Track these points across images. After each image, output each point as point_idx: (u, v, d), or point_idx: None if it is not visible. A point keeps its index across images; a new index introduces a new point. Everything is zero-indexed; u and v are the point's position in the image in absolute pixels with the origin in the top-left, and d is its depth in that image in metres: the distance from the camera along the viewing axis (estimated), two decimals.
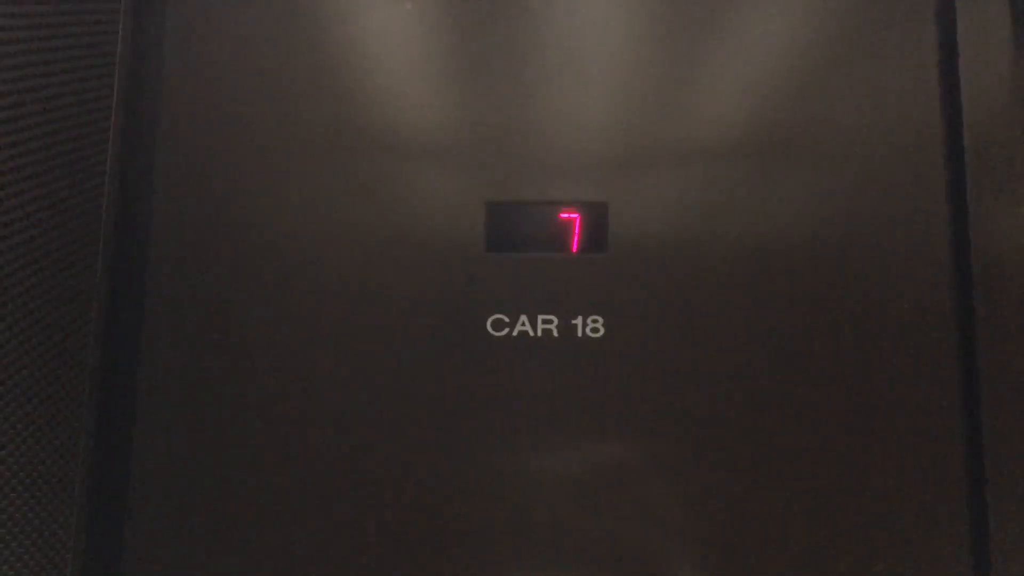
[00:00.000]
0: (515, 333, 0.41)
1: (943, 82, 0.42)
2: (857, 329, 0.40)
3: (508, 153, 0.42)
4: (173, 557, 0.39)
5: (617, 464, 0.40)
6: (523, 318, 0.41)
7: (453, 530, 0.39)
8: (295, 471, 0.39)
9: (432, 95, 0.42)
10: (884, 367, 0.40)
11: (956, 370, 0.40)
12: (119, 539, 0.39)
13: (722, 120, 0.42)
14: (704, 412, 0.40)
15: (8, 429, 0.35)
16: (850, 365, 0.40)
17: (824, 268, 0.41)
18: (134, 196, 0.41)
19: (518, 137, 0.42)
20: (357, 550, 0.39)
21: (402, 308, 0.41)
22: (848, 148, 0.42)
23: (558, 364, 0.40)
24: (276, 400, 0.40)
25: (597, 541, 0.39)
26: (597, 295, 0.41)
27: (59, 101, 0.38)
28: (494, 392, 0.40)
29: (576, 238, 0.42)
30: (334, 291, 0.41)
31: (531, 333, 0.41)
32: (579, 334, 0.40)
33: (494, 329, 0.41)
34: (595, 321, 0.41)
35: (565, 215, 0.42)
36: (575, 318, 0.41)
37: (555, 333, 0.41)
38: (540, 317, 0.41)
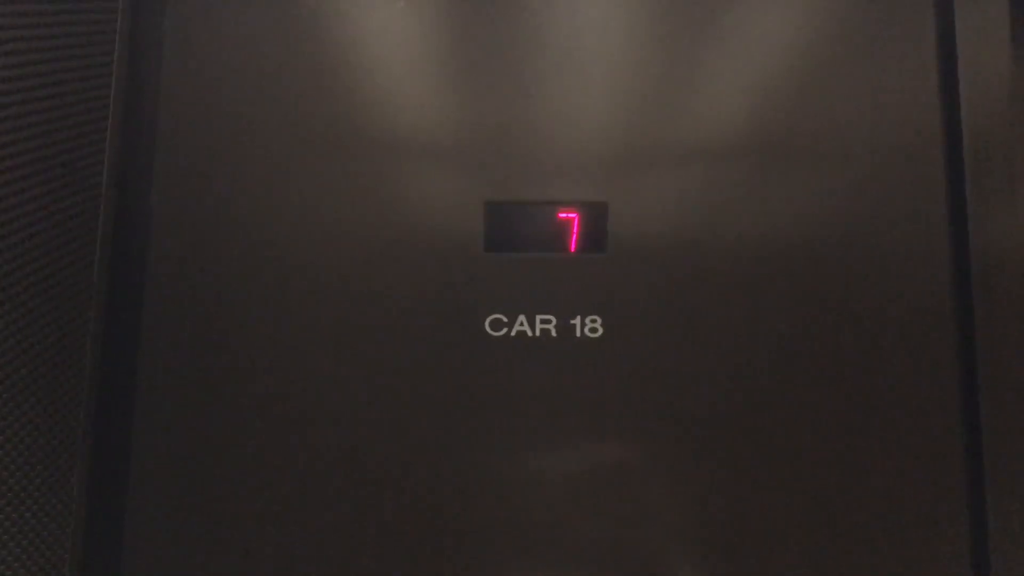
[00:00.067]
0: (513, 333, 0.41)
1: (942, 83, 0.42)
2: (856, 329, 0.40)
3: (507, 153, 0.42)
4: (172, 557, 0.39)
5: (616, 464, 0.40)
6: (521, 318, 0.41)
7: (452, 530, 0.39)
8: (294, 471, 0.39)
9: (431, 95, 0.42)
10: (884, 367, 0.40)
11: (956, 370, 0.40)
12: (118, 539, 0.39)
13: (722, 120, 0.42)
14: (703, 412, 0.40)
15: (7, 428, 0.35)
16: (849, 365, 0.40)
17: (823, 268, 0.41)
18: (132, 196, 0.41)
19: (517, 137, 0.42)
20: (357, 550, 0.39)
21: (400, 307, 0.41)
22: (847, 148, 0.42)
23: (556, 364, 0.40)
24: (275, 400, 0.40)
25: (596, 541, 0.39)
26: (596, 295, 0.41)
27: (57, 100, 0.38)
28: (492, 392, 0.40)
29: (575, 238, 0.42)
30: (332, 290, 0.41)
31: (529, 333, 0.41)
32: (577, 334, 0.40)
33: (492, 329, 0.40)
34: (594, 321, 0.40)
35: (564, 215, 0.42)
36: (574, 318, 0.41)
37: (553, 333, 0.40)
38: (538, 317, 0.41)
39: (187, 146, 0.42)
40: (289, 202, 0.41)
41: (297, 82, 0.42)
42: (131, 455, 0.39)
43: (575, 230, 0.41)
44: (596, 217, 0.41)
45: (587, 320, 0.40)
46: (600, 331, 0.40)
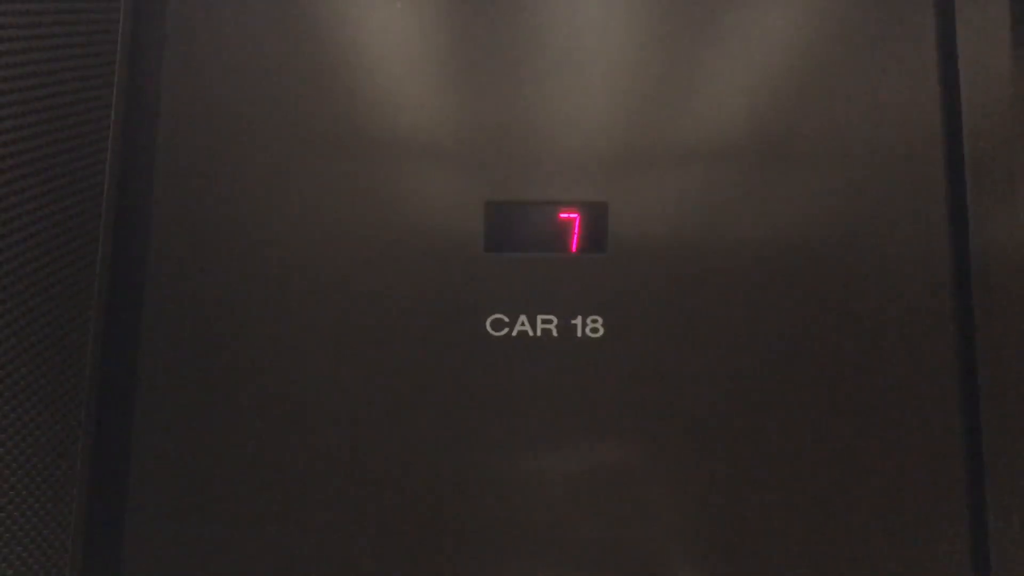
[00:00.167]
0: (515, 333, 0.41)
1: (943, 83, 0.42)
2: (856, 329, 0.40)
3: (507, 152, 0.42)
4: (172, 557, 0.39)
5: (617, 464, 0.40)
6: (522, 318, 0.41)
7: (453, 530, 0.39)
8: (295, 471, 0.39)
9: (432, 95, 0.42)
10: (884, 367, 0.40)
11: (956, 370, 0.40)
12: (118, 539, 0.39)
13: (722, 121, 0.42)
14: (703, 412, 0.40)
15: (8, 427, 0.35)
16: (850, 365, 0.40)
17: (823, 268, 0.41)
18: (133, 195, 0.41)
19: (518, 136, 0.42)
20: (357, 550, 0.39)
21: (401, 307, 0.41)
22: (847, 149, 0.42)
23: (557, 364, 0.40)
24: (275, 399, 0.40)
25: (597, 540, 0.39)
26: (597, 295, 0.41)
27: (58, 100, 0.38)
28: (494, 392, 0.40)
29: (576, 238, 0.42)
30: (333, 290, 0.41)
31: (531, 333, 0.41)
32: (579, 334, 0.40)
33: (493, 329, 0.41)
34: (595, 321, 0.41)
35: (565, 215, 0.42)
36: (575, 318, 0.41)
37: (554, 333, 0.40)
38: (539, 317, 0.41)
39: (188, 146, 0.42)
40: (289, 202, 0.41)
41: (298, 82, 0.42)
42: (131, 455, 0.39)
43: (576, 230, 0.41)
44: (596, 217, 0.41)
45: (588, 320, 0.40)
46: (601, 331, 0.40)
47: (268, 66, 0.42)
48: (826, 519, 0.39)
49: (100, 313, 0.39)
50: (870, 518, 0.39)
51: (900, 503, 0.39)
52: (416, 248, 0.41)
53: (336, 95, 0.42)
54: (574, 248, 0.41)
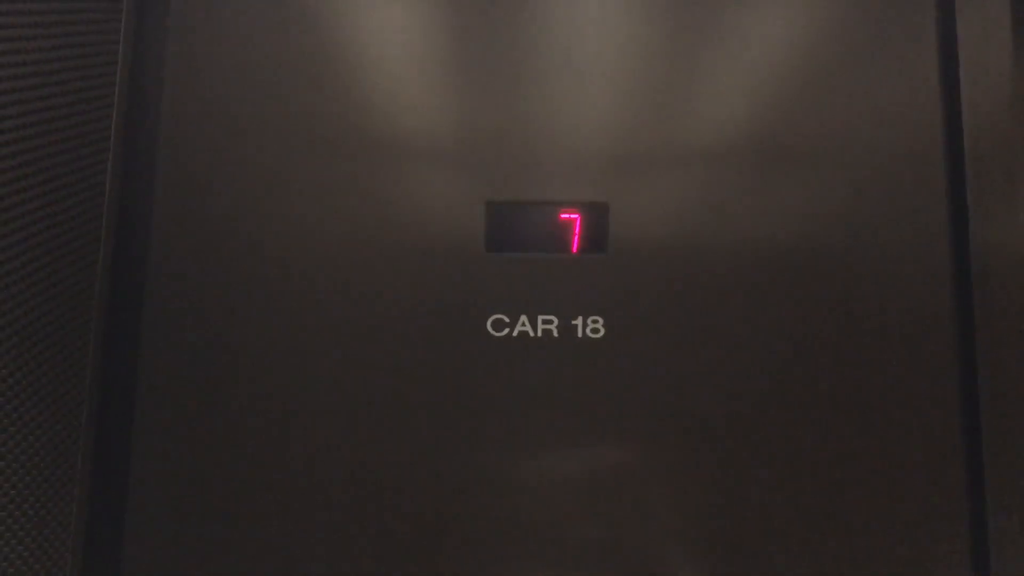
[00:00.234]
0: (515, 333, 0.41)
1: (944, 85, 0.42)
2: (857, 330, 0.40)
3: (509, 153, 0.42)
4: (172, 557, 0.39)
5: (617, 463, 0.40)
6: (523, 318, 0.41)
7: (454, 529, 0.39)
8: (295, 470, 0.39)
9: (433, 96, 0.42)
10: (884, 368, 0.40)
11: (956, 371, 0.40)
12: (119, 539, 0.39)
13: (723, 123, 0.42)
14: (704, 412, 0.40)
15: (8, 426, 0.35)
16: (850, 366, 0.40)
17: (823, 269, 0.41)
18: (135, 195, 0.41)
19: (519, 137, 0.42)
20: (358, 550, 0.39)
21: (402, 308, 0.41)
22: (848, 150, 0.42)
23: (558, 364, 0.40)
24: (276, 400, 0.40)
25: (597, 540, 0.39)
26: (597, 296, 0.41)
27: (60, 100, 0.38)
28: (495, 392, 0.40)
29: (576, 238, 0.42)
30: (334, 291, 0.41)
31: (531, 333, 0.41)
32: (579, 334, 0.40)
33: (494, 329, 0.41)
34: (595, 321, 0.41)
35: (565, 215, 0.42)
36: (575, 318, 0.41)
37: (555, 333, 0.41)
38: (540, 317, 0.41)
39: (189, 146, 0.42)
40: (291, 202, 0.41)
41: (299, 83, 0.42)
42: (132, 455, 0.39)
43: (576, 231, 0.42)
44: (597, 218, 0.41)
45: (589, 320, 0.40)
46: (602, 331, 0.40)
47: (269, 67, 0.42)
48: (826, 519, 0.39)
49: (101, 313, 0.39)
50: (870, 518, 0.39)
51: (900, 503, 0.39)
52: (417, 248, 0.41)
53: (338, 95, 0.42)
54: (575, 248, 0.42)
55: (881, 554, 0.38)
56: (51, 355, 0.36)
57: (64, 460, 0.37)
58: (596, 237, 0.41)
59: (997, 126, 0.41)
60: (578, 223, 0.42)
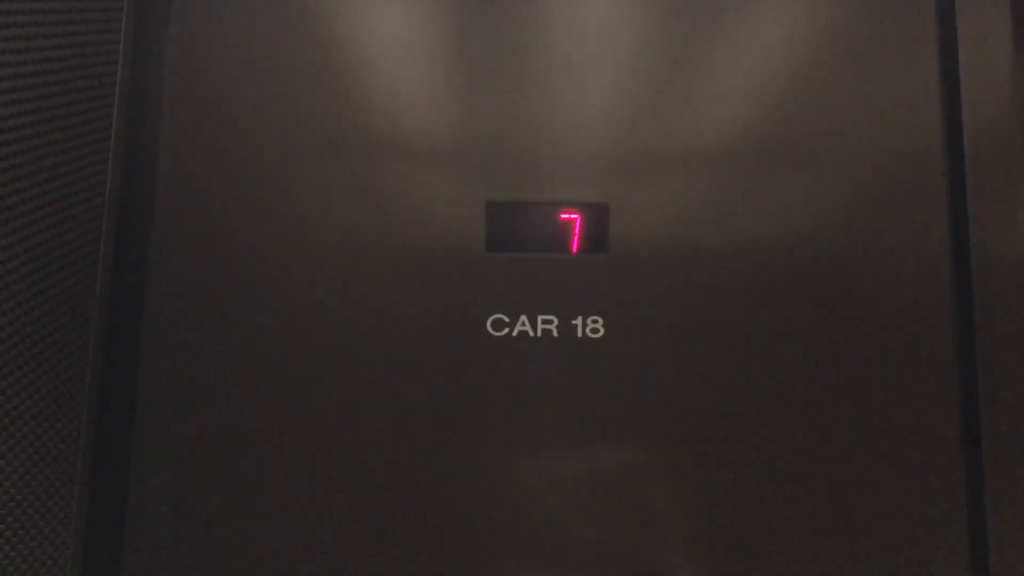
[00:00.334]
0: (515, 333, 0.41)
1: (944, 87, 0.42)
2: (856, 331, 0.40)
3: (509, 153, 0.42)
4: (172, 557, 0.39)
5: (616, 463, 0.40)
6: (523, 318, 0.41)
7: (454, 529, 0.39)
8: (294, 470, 0.39)
9: (434, 96, 0.43)
10: (884, 369, 0.40)
11: (956, 373, 0.40)
12: (119, 538, 0.39)
13: (723, 124, 0.42)
14: (703, 413, 0.40)
15: (9, 424, 0.35)
16: (850, 368, 0.40)
17: (823, 270, 0.41)
18: (135, 195, 0.41)
19: (519, 137, 0.42)
20: (359, 550, 0.39)
21: (402, 307, 0.41)
22: (848, 152, 0.42)
23: (558, 364, 0.40)
24: (277, 400, 0.40)
25: (596, 540, 0.39)
26: (597, 296, 0.41)
27: (61, 99, 0.38)
28: (495, 392, 0.40)
29: (576, 239, 0.42)
30: (335, 290, 0.41)
31: (531, 333, 0.41)
32: (579, 334, 0.41)
33: (494, 329, 0.41)
34: (595, 321, 0.41)
35: (566, 215, 0.42)
36: (575, 318, 0.41)
37: (555, 333, 0.41)
38: (540, 317, 0.41)
39: (190, 147, 0.42)
40: (292, 202, 0.41)
41: (300, 83, 0.42)
42: (132, 456, 0.39)
43: (577, 231, 0.42)
44: (597, 218, 0.42)
45: (588, 320, 0.41)
46: (601, 331, 0.40)
47: (270, 66, 0.43)
48: (827, 520, 0.39)
49: (101, 314, 0.39)
50: (870, 519, 0.39)
51: (900, 504, 0.39)
52: (418, 248, 0.41)
53: (338, 95, 0.42)
54: (575, 249, 0.42)
55: (881, 555, 0.39)
56: (51, 355, 0.36)
57: (64, 461, 0.37)
58: (596, 237, 0.41)
59: (997, 127, 0.41)
60: (578, 223, 0.42)
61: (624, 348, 0.40)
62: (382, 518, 0.39)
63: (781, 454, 0.39)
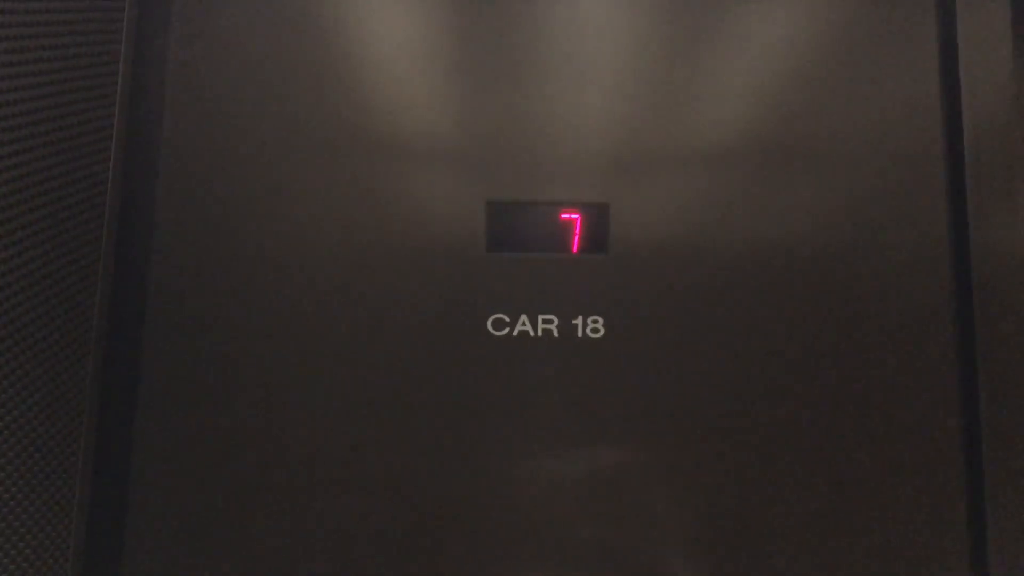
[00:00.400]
0: (515, 333, 0.41)
1: (944, 88, 0.42)
2: (857, 331, 0.40)
3: (510, 153, 0.42)
4: (173, 555, 0.39)
5: (616, 463, 0.40)
6: (523, 318, 0.41)
7: (455, 528, 0.39)
8: (296, 471, 0.39)
9: (435, 96, 0.43)
10: (884, 369, 0.40)
11: (956, 373, 0.40)
12: (119, 537, 0.39)
13: (724, 124, 0.42)
14: (703, 412, 0.40)
15: (12, 423, 0.35)
16: (850, 367, 0.40)
17: (823, 270, 0.41)
18: (136, 195, 0.41)
19: (520, 137, 0.42)
20: (359, 550, 0.39)
21: (403, 307, 0.41)
22: (848, 152, 0.42)
23: (558, 364, 0.40)
24: (276, 398, 0.40)
25: (596, 540, 0.39)
26: (597, 296, 0.41)
27: (63, 98, 0.38)
28: (495, 391, 0.40)
29: (577, 238, 0.42)
30: (335, 290, 0.41)
31: (531, 333, 0.41)
32: (579, 334, 0.41)
33: (495, 329, 0.41)
34: (595, 321, 0.41)
35: (566, 215, 0.42)
36: (575, 318, 0.41)
37: (555, 333, 0.41)
38: (540, 317, 0.41)
39: (191, 147, 0.42)
40: (292, 203, 0.42)
41: (301, 84, 0.42)
42: (132, 458, 0.39)
43: (577, 231, 0.42)
44: (598, 218, 0.42)
45: (589, 320, 0.41)
46: (602, 331, 0.41)
47: (270, 67, 0.43)
48: (827, 519, 0.39)
49: (102, 313, 0.39)
50: (870, 519, 0.39)
51: (900, 504, 0.39)
52: (419, 248, 0.41)
53: (339, 96, 0.42)
54: (575, 248, 0.42)
55: (880, 554, 0.39)
56: (52, 355, 0.37)
57: (65, 460, 0.37)
58: (596, 237, 0.41)
59: (997, 128, 0.41)
60: (578, 223, 0.42)
61: (624, 348, 0.40)
62: (383, 518, 0.39)
63: (782, 454, 0.39)
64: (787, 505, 0.39)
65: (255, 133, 0.42)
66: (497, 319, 0.41)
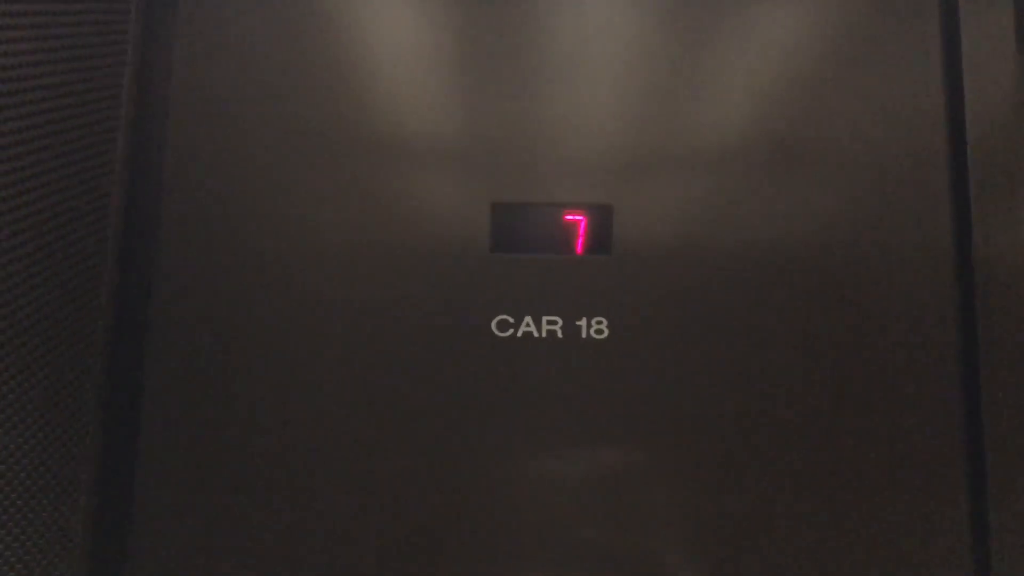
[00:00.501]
0: (520, 334, 0.41)
1: (947, 89, 0.42)
2: (860, 333, 0.40)
3: (514, 155, 0.42)
4: (178, 555, 0.39)
5: (621, 464, 0.40)
6: (528, 319, 0.41)
7: (458, 530, 0.39)
8: (300, 472, 0.40)
9: (439, 98, 0.43)
10: (887, 370, 0.40)
11: (958, 373, 0.40)
12: (125, 537, 0.39)
13: (728, 125, 0.42)
14: (707, 414, 0.40)
15: (19, 423, 0.35)
16: (853, 367, 0.40)
17: (828, 272, 0.41)
18: (142, 195, 0.41)
19: (524, 139, 0.42)
20: (363, 551, 0.39)
21: (407, 308, 0.41)
22: (852, 154, 0.42)
23: (562, 365, 0.40)
24: (281, 400, 0.40)
25: (601, 542, 0.39)
26: (601, 297, 0.41)
27: (69, 100, 0.38)
28: (499, 392, 0.40)
29: (581, 240, 0.42)
30: (340, 291, 0.41)
31: (536, 334, 0.41)
32: (583, 335, 0.41)
33: (499, 330, 0.41)
34: (599, 323, 0.41)
35: (570, 217, 0.42)
36: (579, 319, 0.41)
37: (559, 334, 0.41)
38: (545, 318, 0.41)
39: (196, 148, 0.42)
40: (298, 203, 0.42)
41: (306, 85, 0.42)
42: (137, 458, 0.40)
43: (581, 232, 0.42)
44: (602, 219, 0.42)
45: (593, 321, 0.41)
46: (606, 332, 0.41)
47: (276, 69, 0.43)
48: (829, 519, 0.39)
49: (108, 313, 0.39)
50: (872, 519, 0.39)
51: (902, 504, 0.39)
52: (423, 249, 0.41)
53: (345, 97, 0.42)
54: (579, 250, 0.42)
55: (883, 555, 0.39)
56: (58, 356, 0.37)
57: (70, 461, 0.37)
58: (600, 239, 0.42)
59: (1000, 129, 0.41)
60: (583, 225, 0.42)
61: (628, 349, 0.41)
62: (388, 520, 0.39)
63: (785, 455, 0.40)
64: (792, 505, 0.39)
65: (260, 135, 0.42)
66: (501, 320, 0.41)
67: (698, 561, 0.39)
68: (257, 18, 0.43)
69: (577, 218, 0.42)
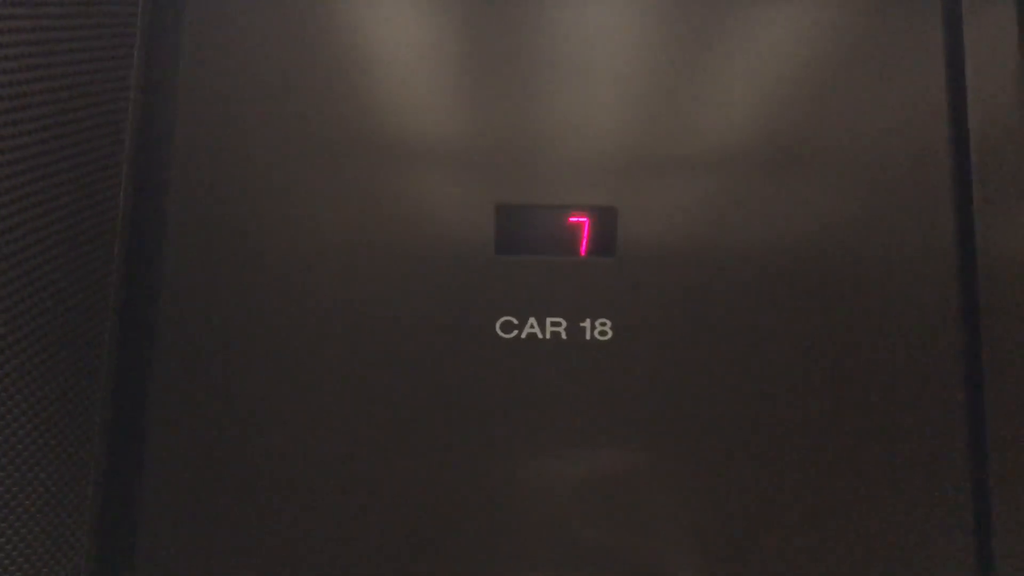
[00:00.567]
0: (524, 335, 0.41)
1: (950, 91, 0.42)
2: (863, 334, 0.41)
3: (519, 157, 0.42)
4: (185, 552, 0.39)
5: (624, 465, 0.40)
6: (532, 320, 0.41)
7: (462, 530, 0.39)
8: (305, 473, 0.40)
9: (444, 100, 0.43)
10: (891, 371, 0.40)
11: (961, 374, 0.40)
12: (131, 534, 0.39)
13: (731, 127, 0.42)
14: (711, 415, 0.40)
15: (27, 423, 0.35)
16: (856, 369, 0.40)
17: (832, 274, 0.41)
18: (148, 196, 0.41)
19: (529, 141, 0.42)
20: (367, 551, 0.39)
21: (412, 310, 0.41)
22: (856, 155, 0.42)
23: (566, 366, 0.41)
24: (286, 400, 0.40)
25: (603, 542, 0.39)
26: (605, 298, 0.41)
27: (75, 103, 0.38)
28: (503, 394, 0.40)
29: (585, 242, 0.42)
30: (345, 292, 0.41)
31: (540, 335, 0.41)
32: (587, 337, 0.41)
33: (503, 331, 0.41)
34: (603, 324, 0.41)
35: (574, 219, 0.42)
36: (583, 321, 0.41)
37: (563, 336, 0.41)
38: (549, 320, 0.41)
39: (203, 150, 0.42)
40: (303, 205, 0.42)
41: (312, 87, 0.43)
42: (144, 457, 0.40)
43: (585, 234, 0.42)
44: (606, 221, 0.42)
45: (597, 323, 0.41)
46: (610, 334, 0.41)
47: (282, 70, 0.43)
48: (831, 520, 0.39)
49: (115, 312, 0.39)
50: (876, 519, 0.39)
51: (906, 504, 0.39)
52: (428, 250, 0.41)
53: (350, 99, 0.43)
54: (583, 252, 0.42)
55: (886, 555, 0.39)
56: (64, 358, 0.37)
57: (76, 463, 0.37)
58: (604, 241, 0.42)
59: (1003, 131, 0.42)
60: (587, 227, 0.42)
61: (632, 350, 0.41)
62: (392, 520, 0.39)
63: (789, 456, 0.40)
64: (795, 506, 0.39)
65: (266, 137, 0.42)
66: (505, 321, 0.41)
67: (703, 562, 0.39)
68: (262, 20, 0.43)
69: (581, 220, 0.42)
